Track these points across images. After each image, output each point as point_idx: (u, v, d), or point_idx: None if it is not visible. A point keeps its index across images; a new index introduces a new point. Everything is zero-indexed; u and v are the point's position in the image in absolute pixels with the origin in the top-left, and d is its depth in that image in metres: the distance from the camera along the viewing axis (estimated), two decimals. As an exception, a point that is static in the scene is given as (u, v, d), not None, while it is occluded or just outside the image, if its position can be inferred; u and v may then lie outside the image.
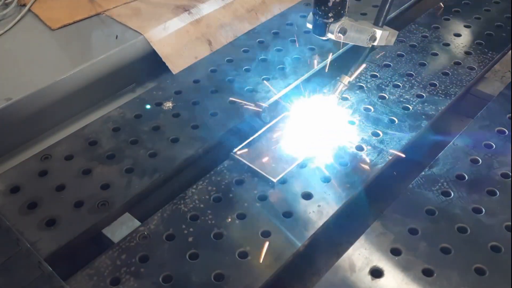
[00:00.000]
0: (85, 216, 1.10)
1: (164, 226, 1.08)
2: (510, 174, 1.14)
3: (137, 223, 1.11)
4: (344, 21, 1.09)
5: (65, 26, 1.68)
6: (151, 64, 1.64)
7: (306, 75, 1.44)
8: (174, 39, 1.66)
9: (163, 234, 1.06)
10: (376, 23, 1.13)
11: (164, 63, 1.61)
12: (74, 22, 1.70)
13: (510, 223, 1.04)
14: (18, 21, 1.70)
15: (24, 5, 1.77)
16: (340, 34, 1.09)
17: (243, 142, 1.25)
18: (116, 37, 1.61)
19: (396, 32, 1.18)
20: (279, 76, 1.45)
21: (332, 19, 1.08)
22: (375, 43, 1.14)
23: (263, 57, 1.53)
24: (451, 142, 1.23)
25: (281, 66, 1.49)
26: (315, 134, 1.25)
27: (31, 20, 1.73)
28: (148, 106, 1.38)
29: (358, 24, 1.12)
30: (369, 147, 1.23)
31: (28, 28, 1.69)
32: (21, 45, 1.63)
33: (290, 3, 1.81)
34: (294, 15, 1.71)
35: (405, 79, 1.43)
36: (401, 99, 1.37)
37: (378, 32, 1.13)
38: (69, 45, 1.63)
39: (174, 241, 1.05)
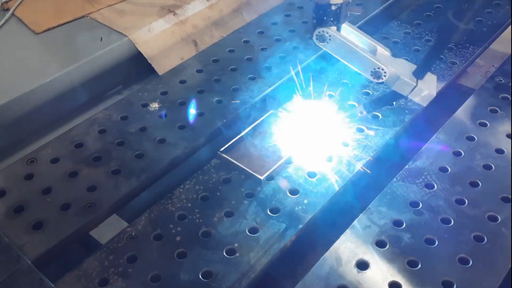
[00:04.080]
0: (72, 219, 1.10)
1: (151, 226, 1.08)
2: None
3: (124, 224, 1.11)
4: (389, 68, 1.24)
5: (49, 29, 1.67)
6: (136, 65, 1.64)
7: (288, 76, 1.46)
8: (160, 41, 1.66)
9: (151, 234, 1.06)
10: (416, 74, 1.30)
11: (150, 65, 1.62)
12: (59, 26, 1.69)
13: (492, 213, 1.06)
14: (2, 25, 1.69)
15: (8, 9, 1.76)
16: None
17: (230, 141, 1.25)
18: (101, 40, 1.61)
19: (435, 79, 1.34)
20: (266, 76, 1.47)
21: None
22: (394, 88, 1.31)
23: (248, 56, 1.54)
24: (434, 136, 1.25)
25: (267, 65, 1.50)
26: (300, 130, 1.26)
27: (14, 24, 1.71)
28: (134, 108, 1.38)
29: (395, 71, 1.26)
30: (353, 142, 1.24)
31: (12, 32, 1.68)
32: (4, 49, 1.61)
33: (275, 2, 1.82)
34: (279, 14, 1.72)
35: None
36: (385, 95, 1.38)
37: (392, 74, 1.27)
38: (53, 48, 1.62)
39: (162, 240, 1.05)
